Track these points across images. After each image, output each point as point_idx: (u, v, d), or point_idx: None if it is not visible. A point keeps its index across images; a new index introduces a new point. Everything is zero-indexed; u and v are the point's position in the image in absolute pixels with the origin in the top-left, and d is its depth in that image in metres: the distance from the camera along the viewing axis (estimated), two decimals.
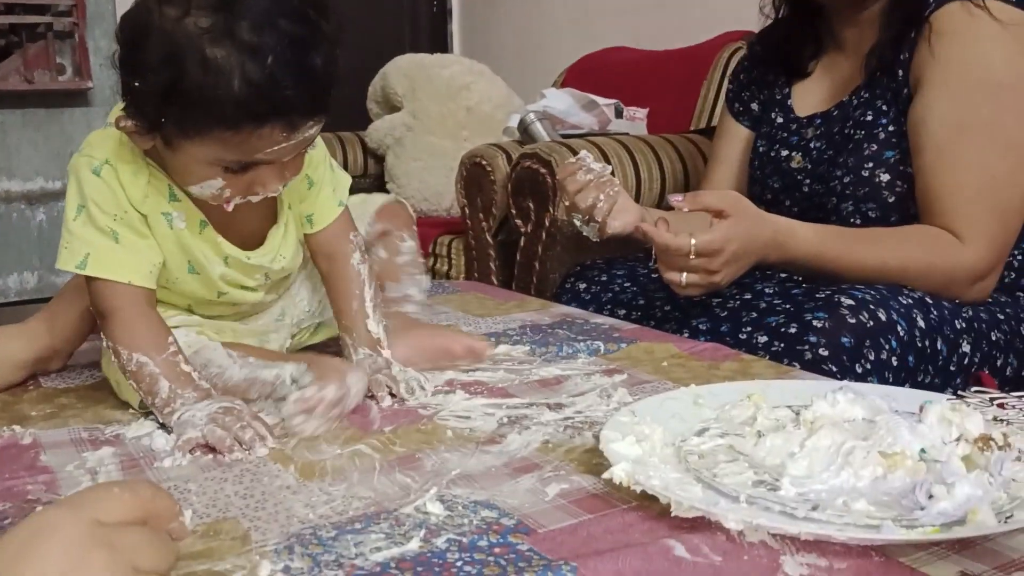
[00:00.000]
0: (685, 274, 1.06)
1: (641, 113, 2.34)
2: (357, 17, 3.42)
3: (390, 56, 2.78)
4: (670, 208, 1.13)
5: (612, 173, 1.14)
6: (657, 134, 1.98)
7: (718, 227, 1.05)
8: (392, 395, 0.88)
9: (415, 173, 2.51)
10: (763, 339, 1.07)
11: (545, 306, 1.30)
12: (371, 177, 2.68)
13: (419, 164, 2.50)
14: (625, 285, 1.38)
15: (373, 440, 0.77)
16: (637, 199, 1.72)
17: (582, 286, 1.42)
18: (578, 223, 1.14)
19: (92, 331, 0.96)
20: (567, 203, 1.13)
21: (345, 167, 2.69)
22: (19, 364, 0.91)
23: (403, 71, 2.59)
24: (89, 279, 0.82)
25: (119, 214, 0.82)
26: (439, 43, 3.58)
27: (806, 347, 1.01)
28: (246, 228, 0.90)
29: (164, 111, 0.74)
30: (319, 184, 0.93)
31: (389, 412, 0.85)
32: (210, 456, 0.74)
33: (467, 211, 1.94)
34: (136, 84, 0.74)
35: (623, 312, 1.33)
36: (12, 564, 0.41)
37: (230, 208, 0.82)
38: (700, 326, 1.16)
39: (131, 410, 0.85)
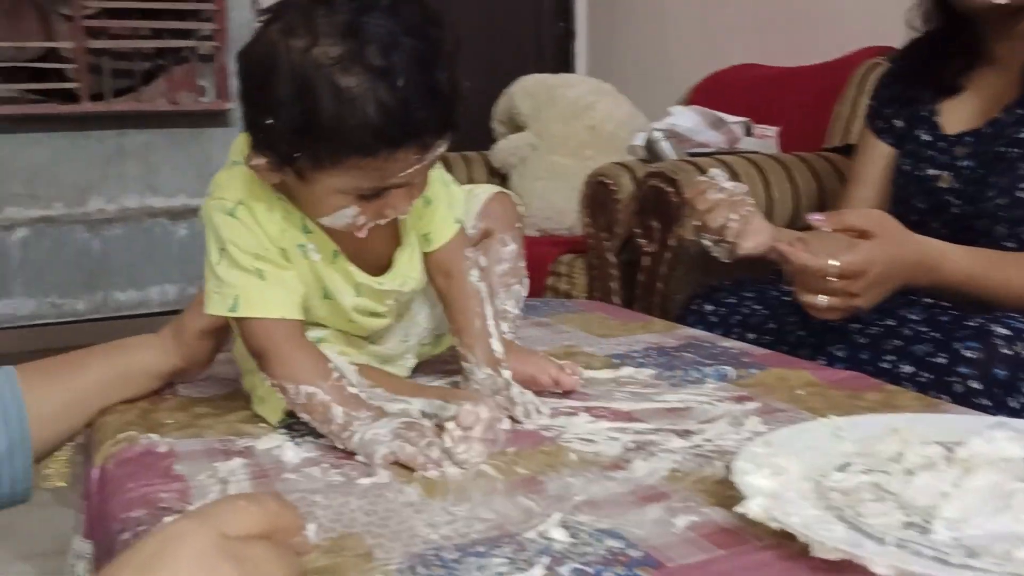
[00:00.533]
0: (823, 296, 1.01)
1: (771, 131, 2.27)
2: (481, 39, 3.47)
3: (514, 77, 2.80)
4: (805, 228, 1.08)
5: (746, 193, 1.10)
6: (789, 152, 1.91)
7: (861, 247, 1.00)
8: (509, 418, 0.86)
9: (538, 192, 2.51)
10: (908, 369, 1.00)
11: (670, 328, 1.26)
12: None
13: (542, 183, 2.50)
14: (755, 308, 1.33)
15: (495, 461, 0.76)
16: (769, 219, 1.66)
17: (709, 308, 1.38)
18: (708, 244, 1.11)
19: (221, 343, 0.98)
20: (697, 223, 1.10)
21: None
22: (155, 374, 0.94)
23: (528, 91, 2.61)
24: (240, 320, 0.82)
25: (260, 252, 0.82)
26: (563, 63, 3.58)
27: (956, 379, 0.95)
28: (373, 254, 0.90)
29: (298, 146, 0.74)
30: (435, 202, 0.92)
31: (511, 433, 0.83)
32: (338, 475, 0.74)
33: (590, 230, 1.93)
34: (268, 121, 0.74)
35: (753, 336, 1.28)
36: (141, 573, 0.41)
37: (363, 235, 0.81)
38: (837, 353, 1.10)
39: (263, 424, 0.86)
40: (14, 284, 2.15)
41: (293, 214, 0.84)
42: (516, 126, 2.66)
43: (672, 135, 1.96)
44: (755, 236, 1.06)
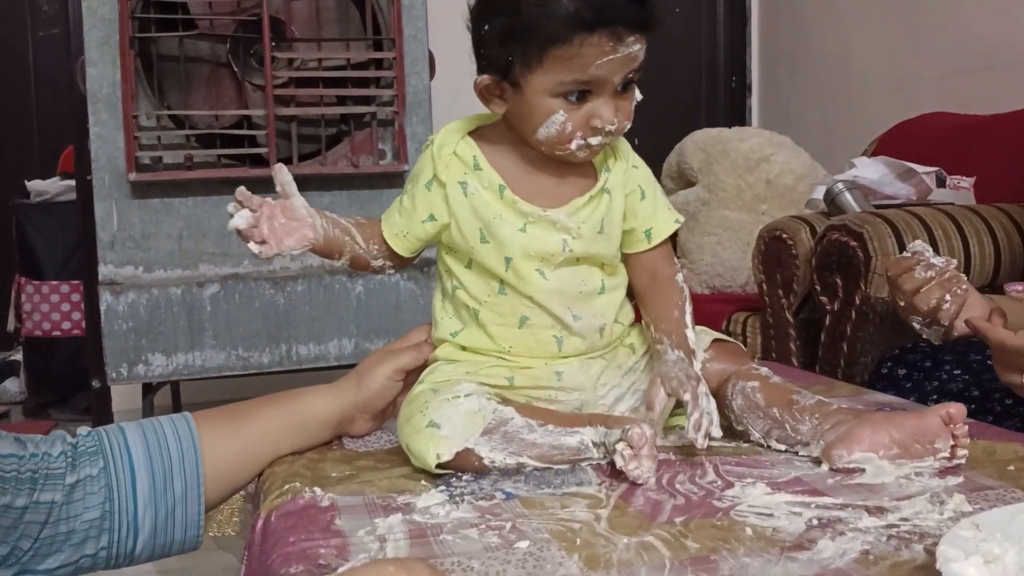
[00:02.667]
0: None
1: (967, 182, 2.11)
2: (654, 95, 3.46)
3: (685, 133, 2.75)
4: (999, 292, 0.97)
5: (958, 268, 1.01)
6: (988, 203, 1.76)
7: None
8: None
9: (709, 248, 2.43)
10: None
11: (857, 392, 1.16)
12: None
13: (713, 239, 2.42)
14: (955, 372, 1.21)
15: (663, 532, 0.70)
16: (967, 275, 1.52)
17: (901, 372, 1.27)
18: (917, 326, 1.02)
19: (399, 393, 0.99)
20: (903, 303, 1.01)
21: None
22: (324, 422, 0.95)
23: (699, 145, 2.55)
24: None
25: (413, 181, 0.97)
26: (737, 119, 3.51)
27: None
28: (552, 198, 0.95)
29: (510, 48, 0.88)
30: (653, 198, 0.99)
31: (682, 503, 0.77)
32: (496, 537, 0.71)
33: (765, 287, 1.84)
34: (485, 28, 0.89)
35: None
36: None
37: (573, 147, 0.90)
38: None
39: (423, 480, 0.85)
40: (204, 337, 2.28)
41: (467, 152, 0.95)
42: (687, 181, 2.61)
43: (855, 186, 1.85)
44: (971, 317, 0.97)
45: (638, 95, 0.95)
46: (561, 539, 0.69)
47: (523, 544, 0.68)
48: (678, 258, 2.66)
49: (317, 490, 0.81)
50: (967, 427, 0.84)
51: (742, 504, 0.76)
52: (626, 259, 1.00)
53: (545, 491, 0.81)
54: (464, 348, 0.98)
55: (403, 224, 0.97)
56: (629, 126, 0.93)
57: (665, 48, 3.54)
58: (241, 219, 0.92)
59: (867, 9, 2.91)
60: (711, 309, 2.14)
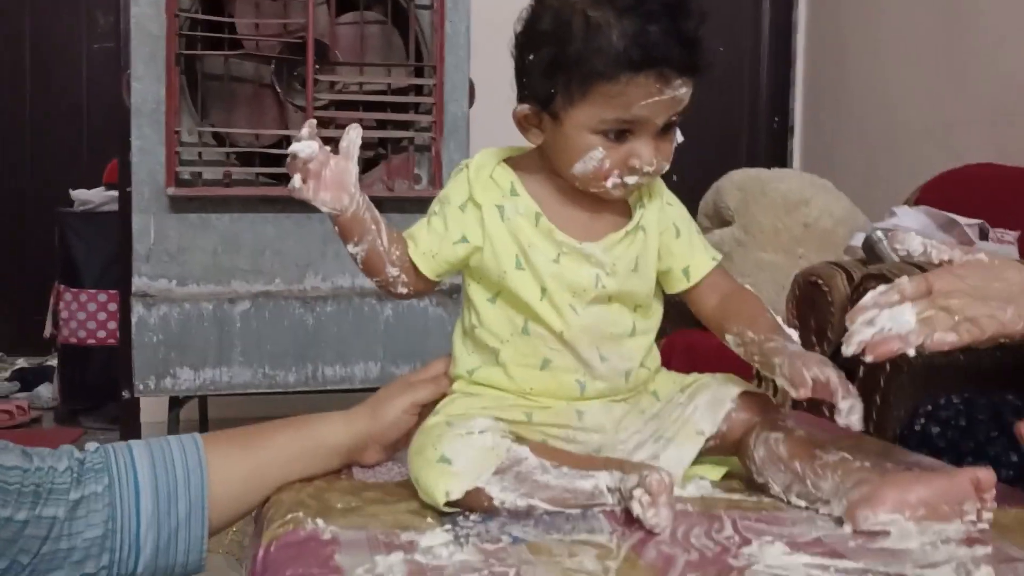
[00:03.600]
0: None
1: (1011, 236, 2.06)
2: (693, 132, 3.43)
3: (724, 172, 2.72)
4: None
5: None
6: None
7: None
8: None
9: None
10: None
11: (887, 450, 1.12)
12: None
13: (748, 280, 2.37)
14: (992, 435, 1.16)
15: None
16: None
17: (935, 430, 1.22)
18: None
19: (414, 426, 0.97)
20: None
21: None
22: (335, 450, 0.94)
23: (736, 184, 2.52)
24: None
25: (444, 203, 0.94)
26: (778, 160, 3.47)
27: None
28: (588, 231, 0.93)
29: (553, 80, 0.87)
30: (688, 237, 0.98)
31: (696, 559, 0.75)
32: None
33: (798, 333, 1.79)
34: (530, 58, 0.89)
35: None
36: None
37: (609, 184, 0.89)
38: None
39: (429, 518, 0.82)
40: (233, 353, 2.28)
41: (504, 177, 0.94)
42: (723, 220, 2.58)
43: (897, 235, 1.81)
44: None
45: (679, 137, 0.94)
46: None
47: None
48: None
49: (320, 522, 0.80)
50: (995, 492, 0.81)
51: (759, 563, 0.73)
52: (684, 297, 0.99)
53: (554, 536, 0.79)
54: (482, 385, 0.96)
55: (432, 244, 0.94)
56: (667, 168, 0.91)
57: (707, 86, 3.47)
58: (306, 148, 0.87)
59: (913, 52, 2.88)
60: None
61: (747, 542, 0.78)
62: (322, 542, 0.76)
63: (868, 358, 0.81)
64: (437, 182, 2.38)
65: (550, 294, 0.92)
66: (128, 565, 0.85)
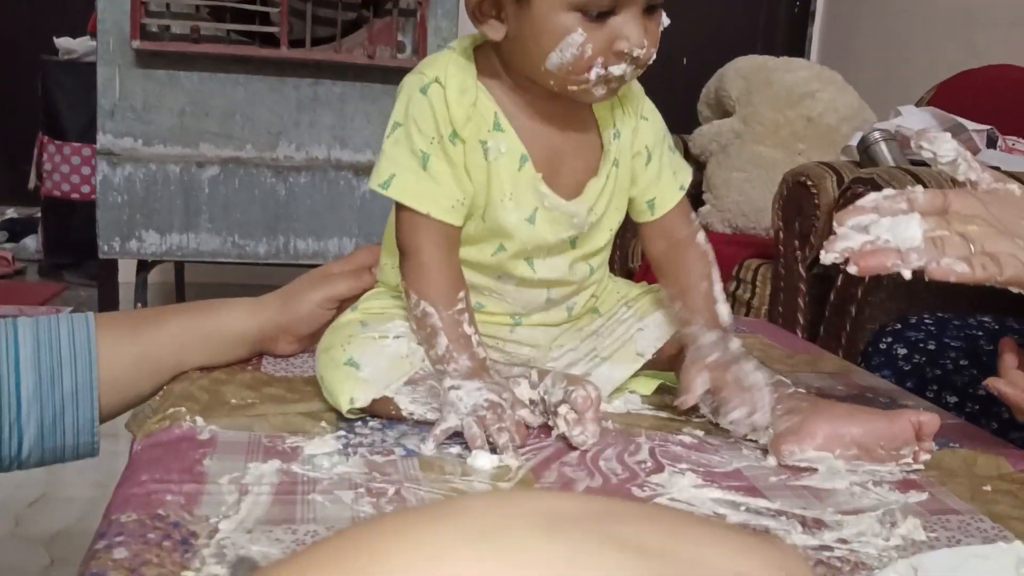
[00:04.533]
0: None
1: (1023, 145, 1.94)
2: (706, 14, 3.24)
3: (738, 57, 2.56)
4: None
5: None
6: None
7: None
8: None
9: (736, 184, 2.29)
10: None
11: (845, 369, 1.05)
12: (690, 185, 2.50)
13: (742, 175, 2.27)
14: (961, 363, 1.09)
15: None
16: None
17: (901, 351, 1.15)
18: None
19: (329, 321, 0.89)
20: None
21: None
22: (239, 338, 0.87)
23: (741, 73, 2.37)
24: (398, 210, 0.78)
25: (435, 137, 0.76)
26: (796, 47, 3.29)
27: None
28: (567, 178, 0.81)
29: None
30: (658, 163, 0.85)
31: (598, 485, 0.68)
32: (369, 506, 0.62)
33: (782, 235, 1.71)
34: None
35: (954, 400, 1.05)
36: None
37: (593, 77, 0.73)
38: None
39: (323, 422, 0.76)
40: (200, 219, 2.21)
41: (487, 106, 0.78)
42: (724, 111, 2.44)
43: (894, 137, 1.69)
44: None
45: (665, 19, 0.78)
46: None
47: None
48: (703, 192, 2.53)
49: (199, 419, 0.73)
50: (933, 444, 0.75)
51: (664, 495, 0.67)
52: (635, 225, 0.88)
53: (453, 451, 0.72)
54: None
55: (452, 189, 0.77)
56: (654, 57, 0.76)
57: None
58: (488, 461, 0.71)
59: None
60: (723, 252, 2.01)
61: (659, 469, 0.72)
62: (196, 443, 0.70)
63: (851, 269, 0.68)
64: (422, 51, 2.25)
65: (504, 255, 0.81)
66: (12, 446, 0.80)
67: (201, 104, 2.16)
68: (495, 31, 0.75)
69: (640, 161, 0.84)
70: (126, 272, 2.44)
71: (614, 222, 0.86)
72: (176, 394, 0.80)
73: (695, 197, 2.46)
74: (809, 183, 1.63)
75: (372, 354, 0.78)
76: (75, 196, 3.48)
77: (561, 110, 0.79)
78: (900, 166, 1.56)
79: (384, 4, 2.20)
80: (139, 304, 2.38)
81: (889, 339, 1.16)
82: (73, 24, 3.66)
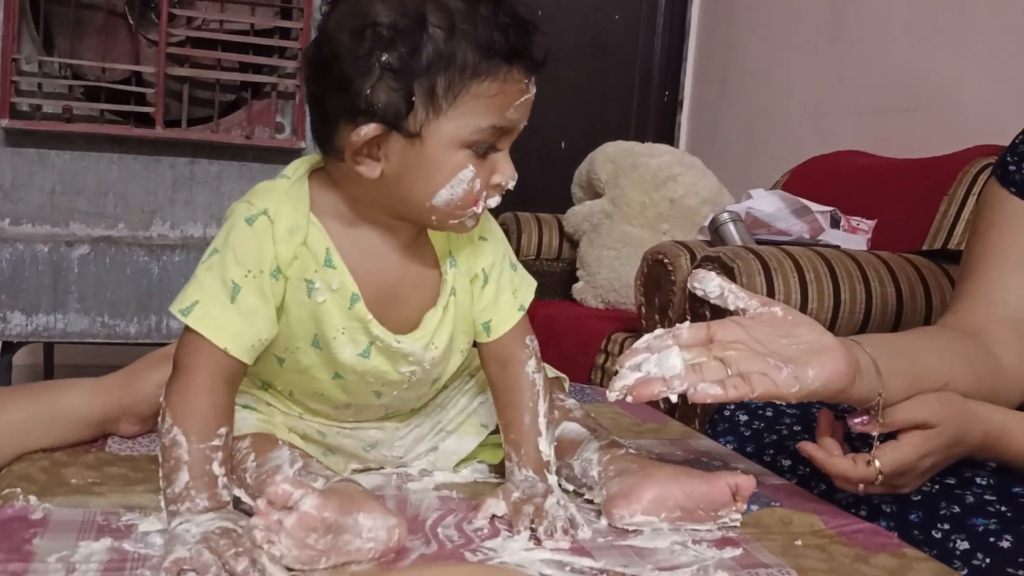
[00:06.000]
0: (863, 486, 0.86)
1: (867, 225, 2.09)
2: (584, 101, 3.40)
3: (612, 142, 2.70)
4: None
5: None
6: (878, 251, 1.73)
7: (909, 441, 0.84)
8: (532, 531, 0.74)
9: (606, 262, 2.38)
10: (964, 545, 0.82)
11: (687, 436, 1.11)
12: (564, 262, 2.59)
13: (612, 253, 2.37)
14: (795, 429, 1.16)
15: None
16: (833, 325, 1.49)
17: (743, 418, 1.22)
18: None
19: None
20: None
21: (540, 250, 2.65)
22: (81, 420, 0.87)
23: (609, 157, 2.50)
24: (187, 329, 0.74)
25: (253, 271, 0.73)
26: (666, 133, 3.47)
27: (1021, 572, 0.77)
28: (403, 313, 0.80)
29: (408, 88, 0.69)
30: (496, 285, 0.84)
31: (432, 551, 0.71)
32: None
33: (644, 309, 1.79)
34: (383, 58, 0.69)
35: (787, 463, 1.11)
36: None
37: (479, 210, 0.75)
38: (884, 508, 0.93)
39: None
40: (69, 299, 2.16)
41: (319, 243, 0.75)
42: (594, 192, 2.55)
43: (740, 218, 1.81)
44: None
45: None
46: None
47: None
48: (577, 268, 2.61)
49: (32, 499, 0.73)
50: (748, 505, 0.81)
51: (496, 558, 0.70)
52: (477, 346, 0.88)
53: None
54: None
55: (259, 328, 0.74)
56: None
57: (601, 54, 3.49)
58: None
59: (798, 37, 2.89)
60: (593, 326, 2.09)
61: (496, 534, 0.75)
62: (28, 522, 0.70)
63: (629, 399, 0.76)
64: (300, 132, 2.28)
65: (346, 382, 0.82)
66: None
67: (72, 183, 2.13)
68: (371, 170, 0.73)
69: (477, 284, 0.84)
70: None
71: (463, 344, 0.86)
72: (15, 474, 0.79)
73: (570, 273, 2.55)
74: (666, 260, 1.73)
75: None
76: None
77: (400, 243, 0.79)
78: (745, 245, 1.68)
79: (263, 87, 2.24)
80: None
81: (732, 407, 1.23)
82: None
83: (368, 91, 0.70)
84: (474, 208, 0.74)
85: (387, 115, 0.70)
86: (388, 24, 0.69)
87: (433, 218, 0.75)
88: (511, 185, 0.75)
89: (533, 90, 0.74)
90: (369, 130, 0.71)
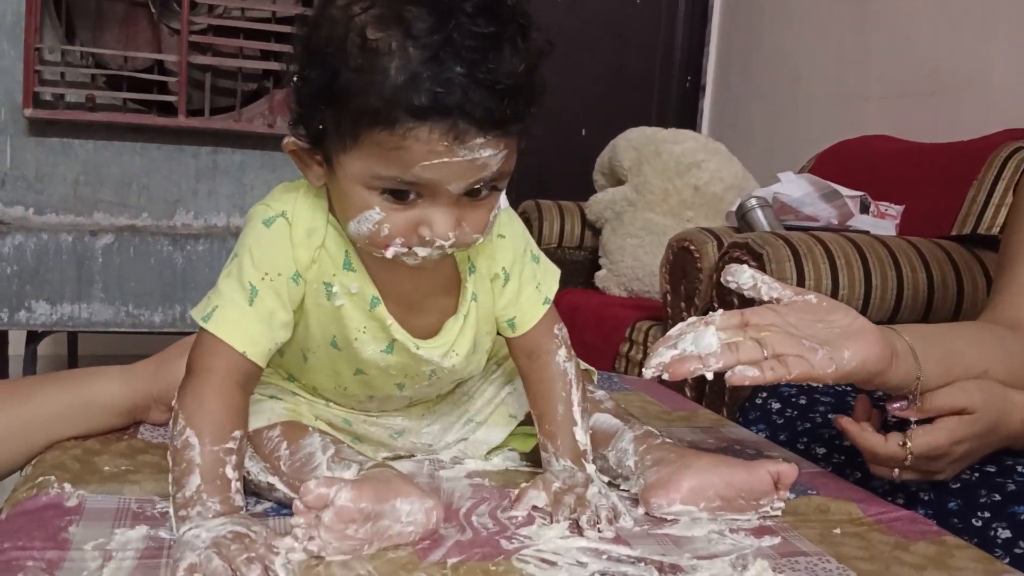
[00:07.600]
0: (898, 471, 0.85)
1: (895, 210, 2.07)
2: (605, 87, 3.37)
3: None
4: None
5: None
6: (907, 236, 1.71)
7: (944, 426, 0.83)
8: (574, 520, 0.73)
9: (629, 250, 2.37)
10: (1005, 534, 0.81)
11: (719, 424, 1.10)
12: (587, 250, 2.57)
13: (635, 241, 2.36)
14: (829, 416, 1.14)
15: (428, 573, 0.63)
16: (864, 311, 1.47)
17: (775, 406, 1.20)
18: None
19: None
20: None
21: (561, 238, 2.63)
22: (112, 408, 0.87)
23: (632, 144, 2.47)
24: (201, 329, 0.73)
25: (271, 274, 0.72)
26: (688, 119, 3.44)
27: None
28: (424, 320, 0.79)
29: (322, 112, 0.66)
30: (518, 281, 0.82)
31: (468, 539, 0.70)
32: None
33: (669, 298, 1.77)
34: (300, 80, 0.66)
35: (822, 451, 1.10)
36: None
37: (389, 254, 0.69)
38: (922, 495, 0.91)
39: None
40: (93, 289, 2.16)
41: (338, 246, 0.74)
42: (617, 179, 2.53)
43: (769, 204, 1.79)
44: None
45: (503, 202, 0.74)
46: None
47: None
48: (600, 256, 2.60)
49: (67, 487, 0.73)
50: (789, 494, 0.79)
51: (530, 547, 0.69)
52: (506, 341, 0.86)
53: None
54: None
55: (277, 332, 0.74)
56: (482, 239, 0.71)
57: (622, 41, 3.46)
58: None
59: (823, 21, 2.86)
60: (617, 314, 2.08)
61: (531, 522, 0.74)
62: (63, 510, 0.69)
63: (665, 377, 0.76)
64: None
65: (368, 377, 0.81)
66: None
67: (96, 172, 2.14)
68: (316, 179, 0.71)
69: (498, 284, 0.82)
70: (17, 344, 2.36)
71: (487, 344, 0.85)
72: (47, 463, 0.79)
73: (592, 262, 2.53)
74: (692, 248, 1.71)
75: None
76: None
77: None
78: (774, 231, 1.65)
79: (285, 75, 2.23)
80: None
81: (764, 395, 1.22)
82: None
83: (296, 102, 0.69)
84: (384, 251, 0.69)
85: (308, 132, 0.68)
86: (316, 45, 0.66)
87: (358, 244, 0.73)
88: (450, 244, 0.69)
89: (477, 155, 0.65)
90: (289, 143, 0.70)
